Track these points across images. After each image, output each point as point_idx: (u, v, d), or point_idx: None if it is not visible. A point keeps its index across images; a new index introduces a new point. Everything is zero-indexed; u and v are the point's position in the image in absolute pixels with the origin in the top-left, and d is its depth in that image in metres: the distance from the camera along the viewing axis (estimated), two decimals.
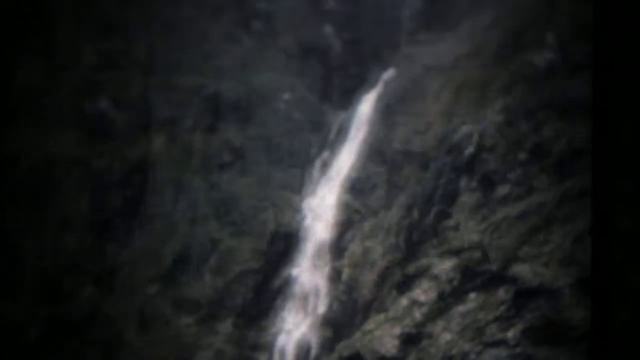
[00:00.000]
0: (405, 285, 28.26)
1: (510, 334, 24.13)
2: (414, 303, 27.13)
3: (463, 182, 29.83)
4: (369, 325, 28.10)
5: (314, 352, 30.95)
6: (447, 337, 25.53)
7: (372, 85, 39.47)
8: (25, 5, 37.42)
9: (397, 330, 26.84)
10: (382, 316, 27.89)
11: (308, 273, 33.11)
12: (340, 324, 30.99)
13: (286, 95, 39.53)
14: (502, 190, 28.32)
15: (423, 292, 27.14)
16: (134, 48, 38.91)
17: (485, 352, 24.39)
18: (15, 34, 36.61)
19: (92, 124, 36.55)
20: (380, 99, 37.96)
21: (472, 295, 25.77)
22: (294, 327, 32.03)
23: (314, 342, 31.17)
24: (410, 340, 26.40)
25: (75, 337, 32.61)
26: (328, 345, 30.37)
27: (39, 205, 34.36)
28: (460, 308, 25.81)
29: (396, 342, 26.68)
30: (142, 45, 39.02)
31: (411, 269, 28.71)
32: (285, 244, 34.23)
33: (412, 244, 29.97)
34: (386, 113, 36.65)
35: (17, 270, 33.17)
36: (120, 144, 36.49)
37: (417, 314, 26.71)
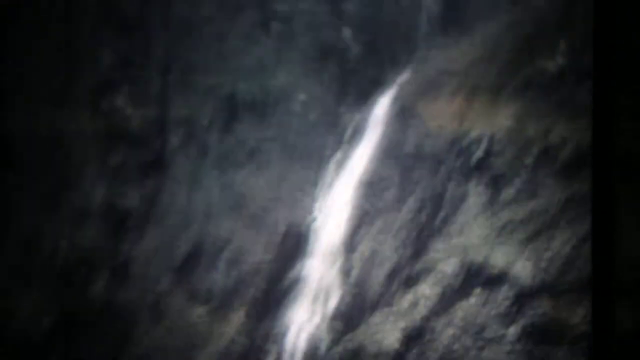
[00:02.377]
0: (411, 280, 28.67)
1: (511, 330, 24.52)
2: (419, 298, 27.54)
3: (471, 186, 30.17)
4: (375, 318, 28.50)
5: (324, 344, 31.30)
6: (449, 332, 25.95)
7: (387, 87, 39.64)
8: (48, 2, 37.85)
9: (402, 324, 27.26)
10: (387, 310, 28.30)
11: (320, 268, 33.45)
12: (351, 317, 31.34)
13: (302, 96, 39.74)
14: (508, 194, 28.65)
15: (428, 287, 27.55)
16: (153, 47, 39.28)
17: (487, 347, 24.77)
18: (36, 29, 37.06)
19: (108, 121, 37.04)
20: (395, 101, 38.10)
21: (476, 291, 26.16)
22: (306, 319, 32.47)
23: (325, 334, 31.53)
24: (413, 334, 26.81)
25: (90, 328, 33.13)
26: (338, 338, 30.74)
27: (56, 199, 34.87)
28: (464, 304, 26.20)
29: (399, 336, 27.11)
30: (160, 44, 39.37)
31: (418, 266, 29.12)
32: (297, 242, 34.63)
33: (420, 244, 30.31)
34: (400, 115, 36.87)
35: (32, 263, 33.71)
36: (137, 142, 36.98)
37: (422, 309, 27.11)
